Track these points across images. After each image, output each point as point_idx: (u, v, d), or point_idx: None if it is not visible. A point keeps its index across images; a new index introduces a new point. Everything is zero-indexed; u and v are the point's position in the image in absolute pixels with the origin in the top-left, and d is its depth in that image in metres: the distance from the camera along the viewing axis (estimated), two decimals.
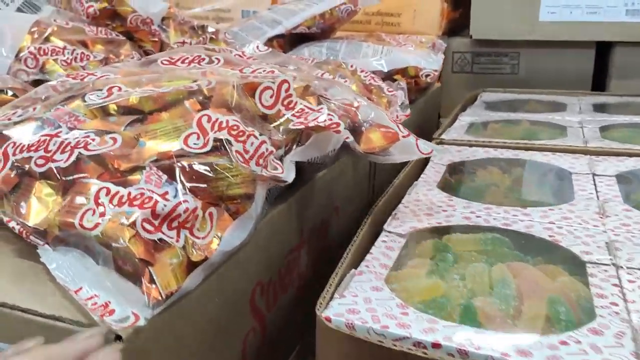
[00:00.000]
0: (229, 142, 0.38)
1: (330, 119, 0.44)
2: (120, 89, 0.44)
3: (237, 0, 1.28)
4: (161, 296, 0.32)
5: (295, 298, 0.53)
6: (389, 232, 0.48)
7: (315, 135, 0.45)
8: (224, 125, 0.39)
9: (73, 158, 0.36)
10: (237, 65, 0.54)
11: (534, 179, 0.63)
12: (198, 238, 0.35)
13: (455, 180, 0.63)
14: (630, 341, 0.33)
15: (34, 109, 0.43)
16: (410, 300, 0.38)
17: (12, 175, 0.38)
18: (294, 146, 0.44)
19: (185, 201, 0.34)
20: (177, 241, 0.34)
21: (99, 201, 0.34)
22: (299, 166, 0.46)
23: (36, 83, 0.66)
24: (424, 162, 0.66)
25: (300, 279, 0.54)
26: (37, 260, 0.35)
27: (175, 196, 0.34)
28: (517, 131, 0.82)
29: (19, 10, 0.71)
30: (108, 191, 0.34)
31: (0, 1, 0.70)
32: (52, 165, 0.36)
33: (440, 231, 0.49)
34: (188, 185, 0.35)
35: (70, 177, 0.36)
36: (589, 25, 1.07)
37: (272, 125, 0.43)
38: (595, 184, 0.58)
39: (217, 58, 0.54)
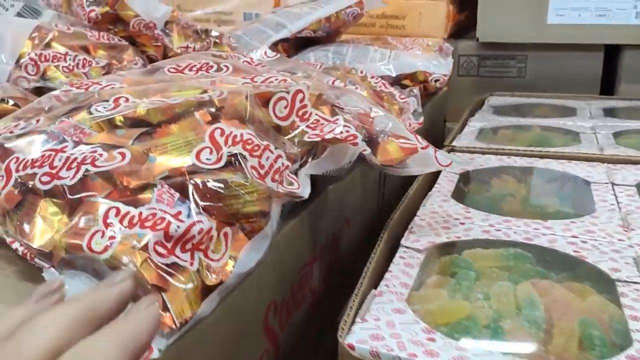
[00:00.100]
0: (244, 157, 0.36)
1: (347, 131, 0.42)
2: (127, 99, 0.42)
3: (239, 2, 1.26)
4: (175, 325, 0.30)
5: (307, 314, 0.51)
6: (407, 247, 0.46)
7: (331, 148, 0.43)
8: (238, 139, 0.37)
9: (80, 175, 0.34)
10: (247, 72, 0.52)
11: (551, 188, 0.61)
12: (213, 260, 0.33)
13: (469, 189, 0.62)
14: None
15: (38, 121, 0.41)
16: (434, 322, 0.36)
17: (15, 193, 0.36)
18: (309, 159, 0.42)
19: (199, 221, 0.32)
20: (191, 264, 0.32)
21: (108, 222, 0.32)
22: (312, 178, 0.44)
23: (37, 90, 0.64)
24: (436, 171, 0.64)
25: (313, 294, 0.52)
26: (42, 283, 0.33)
27: (189, 216, 0.32)
28: (528, 137, 0.80)
29: (19, 15, 0.69)
30: (118, 211, 0.32)
31: (0, 5, 0.68)
32: (58, 182, 0.34)
33: (459, 246, 0.47)
34: (202, 204, 0.33)
35: (77, 196, 0.34)
36: (598, 28, 1.05)
37: (286, 138, 0.42)
38: (615, 194, 0.57)
39: (225, 65, 0.52)
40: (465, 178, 0.64)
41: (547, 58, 1.12)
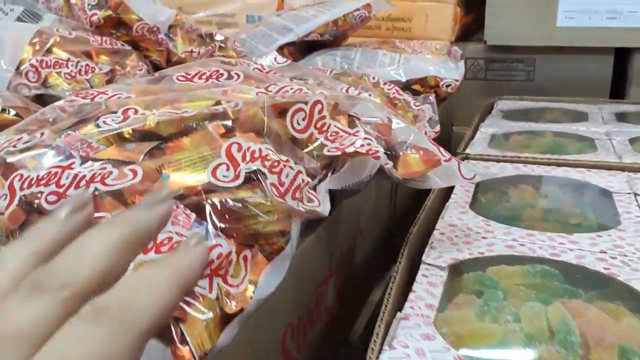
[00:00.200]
0: (263, 173, 0.34)
1: (369, 144, 0.40)
2: (136, 111, 0.40)
3: (242, 4, 1.24)
4: (194, 358, 0.28)
5: (322, 333, 0.49)
6: (429, 264, 0.44)
7: (351, 161, 0.41)
8: (256, 154, 0.35)
9: None
10: (259, 81, 0.50)
11: (571, 198, 0.59)
12: (232, 286, 0.31)
13: (486, 200, 0.59)
14: None
15: (42, 134, 0.39)
16: (463, 347, 0.34)
17: (20, 212, 0.33)
18: (329, 173, 0.40)
19: (218, 245, 0.30)
20: (210, 292, 0.30)
21: None
22: (329, 192, 0.42)
23: (38, 98, 0.61)
24: None
25: (328, 312, 0.50)
26: None
27: (207, 239, 0.30)
28: (542, 144, 0.78)
29: (19, 19, 0.67)
30: None
31: None
32: None
33: (483, 262, 0.45)
34: (220, 225, 0.31)
35: None
36: (608, 31, 1.03)
37: (305, 151, 0.39)
38: (639, 205, 0.55)
39: (236, 73, 0.49)
40: (481, 188, 0.61)
41: (556, 61, 1.10)
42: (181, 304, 0.28)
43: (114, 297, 0.20)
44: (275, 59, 0.59)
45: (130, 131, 0.38)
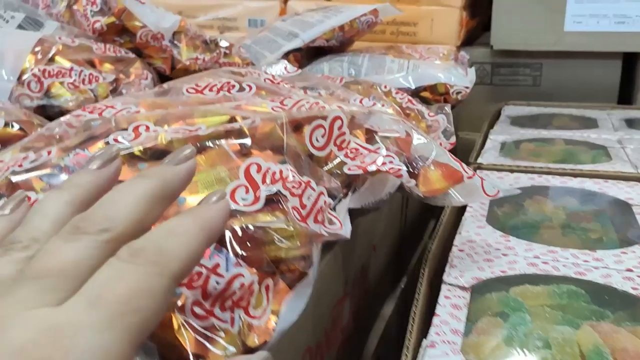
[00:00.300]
0: (284, 196, 0.32)
1: (391, 162, 0.38)
2: (147, 127, 0.38)
3: (244, 8, 1.22)
4: None
5: (338, 353, 0.47)
6: (450, 284, 0.43)
7: (371, 179, 0.39)
8: (277, 176, 0.33)
9: None
10: (271, 92, 0.48)
11: (590, 211, 0.58)
12: (254, 318, 0.29)
13: (503, 213, 0.58)
14: None
15: (49, 152, 0.37)
16: None
17: None
18: (350, 193, 0.38)
19: (239, 275, 0.29)
20: (232, 325, 0.28)
21: None
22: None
23: (40, 109, 0.60)
24: None
25: (343, 333, 0.48)
26: None
27: (228, 269, 0.29)
28: (554, 152, 0.77)
29: (20, 27, 0.65)
30: None
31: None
32: None
33: (506, 282, 0.44)
34: (240, 252, 0.30)
35: None
36: (617, 35, 1.02)
37: (324, 169, 0.38)
38: None
39: (248, 85, 0.48)
40: (497, 200, 0.60)
41: (563, 66, 1.09)
42: (203, 340, 0.27)
43: (148, 242, 0.22)
44: (285, 68, 0.58)
45: (141, 149, 0.36)
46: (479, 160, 0.71)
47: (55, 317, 0.19)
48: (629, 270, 0.44)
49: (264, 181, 0.32)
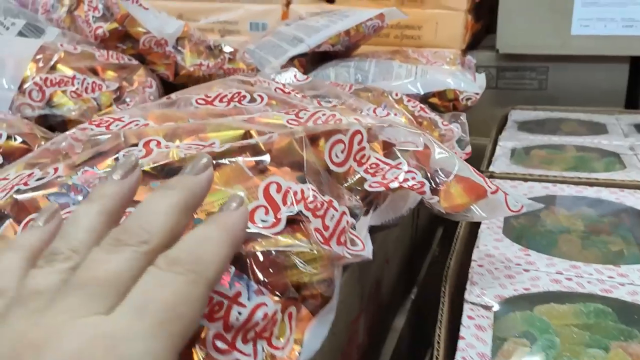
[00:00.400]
0: (306, 217, 0.31)
1: (413, 178, 0.37)
2: (158, 143, 0.36)
3: (245, 12, 1.20)
4: None
5: None
6: (472, 303, 0.41)
7: (392, 195, 0.38)
8: (298, 196, 0.31)
9: None
10: (283, 102, 0.46)
11: (608, 222, 0.56)
12: (277, 349, 0.27)
13: (519, 224, 0.56)
14: None
15: (56, 169, 0.35)
16: None
17: None
18: (371, 210, 0.36)
19: (262, 304, 0.27)
20: (255, 358, 0.26)
21: None
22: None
23: (42, 118, 0.58)
24: None
25: (358, 351, 0.46)
26: None
27: (250, 298, 0.27)
28: (565, 159, 0.75)
29: (20, 34, 0.63)
30: None
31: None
32: None
33: (530, 300, 0.42)
34: (262, 279, 0.28)
35: None
36: (624, 39, 1.01)
37: (345, 186, 0.36)
38: None
39: (259, 95, 0.46)
40: None
41: (570, 70, 1.08)
42: None
43: (183, 251, 0.23)
44: (295, 76, 0.56)
45: (152, 164, 0.35)
46: (491, 168, 0.70)
47: (106, 325, 0.20)
48: None
49: (284, 202, 0.31)
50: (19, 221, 0.32)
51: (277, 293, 0.28)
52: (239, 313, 0.26)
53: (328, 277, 0.31)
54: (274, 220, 0.30)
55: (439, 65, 0.84)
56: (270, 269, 0.28)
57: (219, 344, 0.25)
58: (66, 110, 0.57)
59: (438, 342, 0.36)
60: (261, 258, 0.28)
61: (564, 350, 0.37)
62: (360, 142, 0.37)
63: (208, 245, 0.24)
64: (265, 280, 0.28)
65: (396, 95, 0.62)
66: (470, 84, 0.76)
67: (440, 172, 0.41)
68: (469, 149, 0.58)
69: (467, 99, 0.75)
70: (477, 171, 0.41)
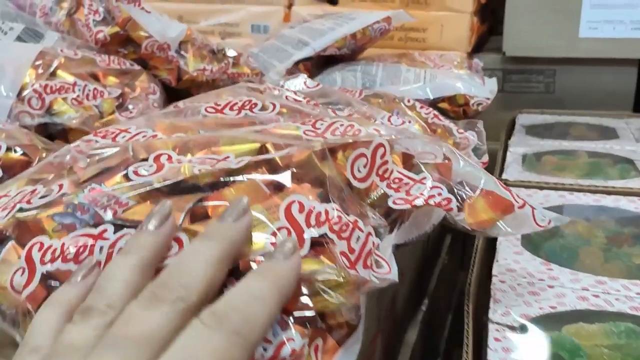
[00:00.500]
0: (331, 240, 0.29)
1: (439, 194, 0.35)
2: (169, 157, 0.34)
3: (246, 13, 1.18)
4: None
5: None
6: (497, 323, 0.39)
7: (416, 212, 0.36)
8: (322, 217, 0.29)
9: None
10: (295, 111, 0.44)
11: (629, 233, 0.54)
12: None
13: (537, 235, 0.54)
14: None
15: (60, 186, 0.33)
16: None
17: (42, 289, 0.28)
18: (395, 229, 0.34)
19: (290, 339, 0.25)
20: None
21: None
22: None
23: (41, 127, 0.56)
24: None
25: None
26: None
27: (275, 333, 0.25)
28: (578, 166, 0.74)
29: (19, 39, 0.61)
30: None
31: None
32: None
33: (557, 319, 0.40)
34: (287, 308, 0.26)
35: None
36: (633, 42, 0.99)
37: (367, 202, 0.34)
38: None
39: (272, 103, 0.44)
40: None
41: (577, 73, 1.06)
42: None
43: (231, 308, 0.23)
44: (305, 82, 0.54)
45: (162, 180, 0.33)
46: (504, 175, 0.68)
47: None
48: None
49: (308, 223, 0.29)
50: (22, 244, 0.30)
51: (303, 323, 0.26)
52: (264, 349, 0.24)
53: (355, 304, 0.29)
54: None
55: (447, 69, 0.82)
56: (297, 301, 0.26)
57: None
58: (67, 118, 0.55)
59: None
60: None
61: None
62: (382, 156, 0.35)
63: (258, 306, 0.23)
64: (290, 309, 0.26)
65: (408, 101, 0.60)
66: (480, 89, 0.74)
67: (464, 186, 0.39)
68: (485, 158, 0.56)
69: (478, 104, 0.73)
70: (502, 184, 0.39)
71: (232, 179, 0.32)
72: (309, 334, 0.26)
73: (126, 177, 0.32)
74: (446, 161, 0.40)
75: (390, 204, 0.34)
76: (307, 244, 0.28)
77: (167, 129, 0.40)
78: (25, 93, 0.54)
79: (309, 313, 0.26)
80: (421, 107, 0.59)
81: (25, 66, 0.55)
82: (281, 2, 1.16)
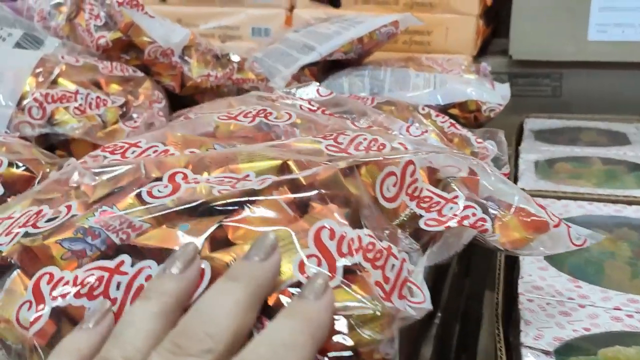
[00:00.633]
0: (365, 270, 0.26)
1: (474, 214, 0.33)
2: (185, 176, 0.32)
3: (247, 16, 1.15)
4: None
5: None
6: (530, 347, 0.37)
7: (447, 232, 0.34)
8: (355, 244, 0.27)
9: None
10: (310, 121, 0.42)
11: None
12: None
13: None
14: None
15: (68, 208, 0.31)
16: None
17: (51, 325, 0.26)
18: (427, 251, 0.32)
19: None
20: None
21: None
22: None
23: (42, 137, 0.53)
24: None
25: None
26: None
27: None
28: (593, 173, 0.72)
29: (18, 45, 0.58)
30: None
31: None
32: None
33: (593, 342, 0.38)
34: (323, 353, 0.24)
35: None
36: None
37: (396, 223, 0.32)
38: None
39: (287, 113, 0.42)
40: None
41: (585, 76, 1.04)
42: None
43: (261, 358, 0.21)
44: (317, 91, 0.52)
45: (177, 201, 0.30)
46: (519, 184, 0.66)
47: None
48: None
49: (339, 251, 0.27)
50: (29, 274, 0.27)
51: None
52: None
53: (390, 337, 0.27)
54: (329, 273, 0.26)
55: (456, 74, 0.80)
56: (330, 341, 0.24)
57: None
58: (69, 128, 0.53)
59: None
60: None
61: None
62: (412, 174, 0.33)
63: (290, 353, 0.21)
64: (326, 349, 0.24)
65: (423, 109, 0.58)
66: (492, 94, 0.72)
67: (494, 203, 0.37)
68: (506, 169, 0.54)
69: (490, 110, 0.71)
70: (537, 202, 0.37)
71: (255, 198, 0.29)
72: None
73: (139, 199, 0.30)
74: (472, 176, 0.38)
75: (422, 225, 0.32)
76: (340, 274, 0.26)
77: (179, 142, 0.38)
78: (25, 102, 0.52)
79: (346, 353, 0.24)
80: (437, 116, 0.57)
81: (25, 74, 0.53)
82: (282, 5, 1.14)
